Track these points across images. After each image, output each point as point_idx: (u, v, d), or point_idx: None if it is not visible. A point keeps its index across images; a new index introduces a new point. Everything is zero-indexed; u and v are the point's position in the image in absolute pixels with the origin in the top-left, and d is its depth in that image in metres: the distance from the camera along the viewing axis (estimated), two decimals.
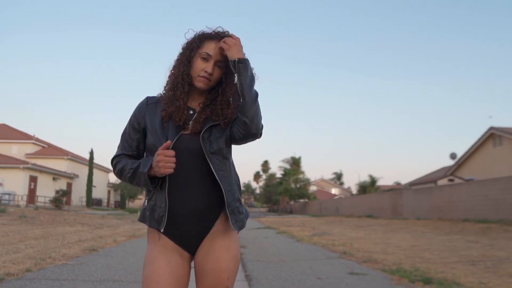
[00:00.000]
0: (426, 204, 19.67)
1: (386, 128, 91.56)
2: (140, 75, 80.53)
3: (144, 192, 1.78)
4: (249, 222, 24.26)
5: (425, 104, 79.96)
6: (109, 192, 52.56)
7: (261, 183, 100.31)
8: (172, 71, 1.58)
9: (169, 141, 1.41)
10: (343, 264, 6.23)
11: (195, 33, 1.57)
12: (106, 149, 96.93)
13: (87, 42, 72.12)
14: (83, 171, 41.65)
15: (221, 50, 1.52)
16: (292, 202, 56.43)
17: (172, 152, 1.40)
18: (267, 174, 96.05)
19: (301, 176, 55.05)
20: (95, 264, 5.74)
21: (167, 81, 1.60)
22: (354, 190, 63.71)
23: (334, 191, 65.87)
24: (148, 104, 1.60)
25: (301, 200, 54.72)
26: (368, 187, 47.50)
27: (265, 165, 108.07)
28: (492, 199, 15.27)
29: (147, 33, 76.11)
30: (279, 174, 60.97)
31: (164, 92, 1.60)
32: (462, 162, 25.35)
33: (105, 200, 49.94)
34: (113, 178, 54.70)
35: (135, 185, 1.54)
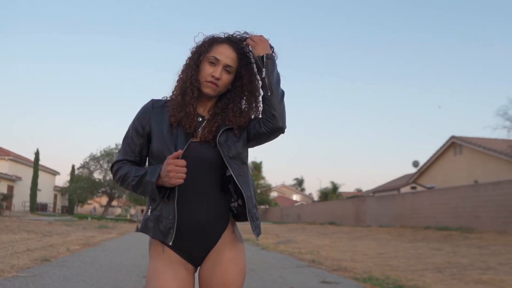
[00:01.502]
0: (389, 212, 20.43)
1: (348, 134, 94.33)
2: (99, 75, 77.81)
3: (147, 201, 1.74)
4: None
5: (388, 111, 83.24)
6: (55, 196, 50.31)
7: None
8: (181, 76, 1.57)
9: (180, 151, 1.40)
10: (313, 273, 6.35)
11: (204, 36, 1.56)
12: (53, 150, 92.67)
13: (28, 42, 68.63)
14: (27, 173, 39.64)
15: (236, 53, 1.53)
16: None
17: (183, 162, 1.38)
18: None
19: (262, 181, 55.41)
20: (50, 276, 5.48)
21: (175, 85, 1.58)
22: (316, 197, 64.91)
23: (295, 197, 66.75)
24: (154, 107, 1.56)
25: (262, 207, 55.04)
26: (330, 194, 48.60)
27: None
28: (453, 207, 16.12)
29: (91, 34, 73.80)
30: None
31: (172, 96, 1.58)
32: (424, 170, 26.56)
33: (51, 205, 47.74)
34: (60, 181, 52.46)
35: (139, 193, 1.50)
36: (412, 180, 27.07)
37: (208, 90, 1.52)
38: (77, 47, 72.70)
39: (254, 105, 1.57)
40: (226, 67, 1.52)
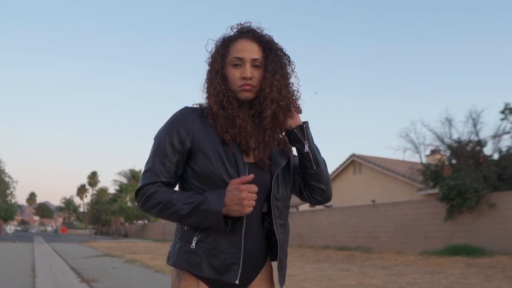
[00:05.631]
0: None
1: None
2: None
3: (180, 230, 1.53)
4: (82, 248, 22.71)
5: None
6: None
7: (87, 199, 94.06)
8: (210, 90, 1.49)
9: (251, 175, 1.36)
10: None
11: (215, 41, 1.51)
12: None
13: None
14: None
15: (255, 46, 1.47)
16: (127, 224, 54.26)
17: (255, 188, 1.35)
18: (96, 189, 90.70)
19: None
20: None
21: (207, 95, 1.50)
22: None
23: None
24: (193, 118, 1.45)
25: (140, 222, 53.11)
26: None
27: (94, 178, 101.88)
28: (352, 227, 17.54)
29: None
30: (112, 190, 58.10)
31: (209, 105, 1.47)
32: None
33: None
34: None
35: (189, 224, 1.40)
36: None
37: (245, 94, 1.45)
38: None
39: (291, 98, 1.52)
40: (253, 62, 1.45)
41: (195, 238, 1.41)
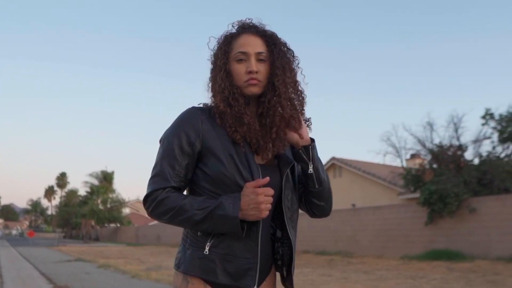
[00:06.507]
0: None
1: None
2: None
3: (189, 235, 1.50)
4: (51, 253, 22.25)
5: None
6: None
7: (56, 201, 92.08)
8: (214, 88, 1.47)
9: (267, 178, 1.34)
10: None
11: (217, 39, 1.50)
12: None
13: None
14: None
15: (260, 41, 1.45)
16: (98, 227, 53.34)
17: (272, 191, 1.34)
18: (66, 191, 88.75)
19: (113, 195, 52.72)
20: None
21: (212, 93, 1.48)
22: None
23: None
24: (202, 119, 1.42)
25: (112, 225, 52.29)
26: None
27: (62, 179, 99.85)
28: (333, 231, 17.67)
29: None
30: (83, 191, 56.98)
31: (215, 103, 1.44)
32: None
33: None
34: None
35: (202, 230, 1.37)
36: None
37: (252, 89, 1.42)
38: None
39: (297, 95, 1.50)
40: (258, 56, 1.43)
41: (208, 244, 1.38)
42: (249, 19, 1.50)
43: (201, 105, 1.49)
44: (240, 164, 1.38)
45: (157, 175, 1.39)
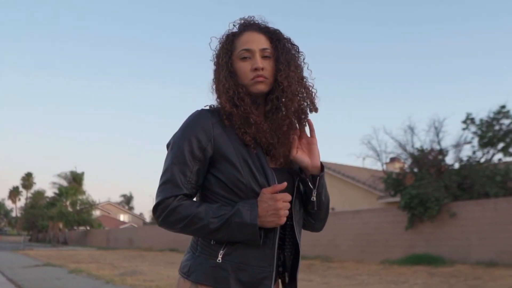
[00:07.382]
0: None
1: None
2: None
3: (199, 243, 1.43)
4: (17, 257, 21.64)
5: None
6: None
7: (21, 203, 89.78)
8: (219, 88, 1.45)
9: (284, 183, 1.34)
10: None
11: (219, 39, 1.50)
12: None
13: None
14: None
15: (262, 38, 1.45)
16: (66, 230, 52.27)
17: (289, 197, 1.35)
18: (32, 192, 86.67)
19: (83, 197, 51.77)
20: None
21: (217, 94, 1.47)
22: (148, 218, 63.74)
23: (123, 217, 64.17)
24: (213, 122, 1.40)
25: (81, 228, 51.30)
26: None
27: (28, 179, 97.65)
28: (311, 235, 17.52)
29: None
30: (51, 193, 55.80)
31: (221, 104, 1.42)
32: None
33: None
34: None
35: (218, 239, 1.34)
36: None
37: (259, 86, 1.41)
38: None
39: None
40: (263, 52, 1.43)
41: (221, 252, 1.36)
42: (251, 17, 1.49)
43: (208, 107, 1.46)
44: (255, 169, 1.37)
45: (168, 182, 1.36)
